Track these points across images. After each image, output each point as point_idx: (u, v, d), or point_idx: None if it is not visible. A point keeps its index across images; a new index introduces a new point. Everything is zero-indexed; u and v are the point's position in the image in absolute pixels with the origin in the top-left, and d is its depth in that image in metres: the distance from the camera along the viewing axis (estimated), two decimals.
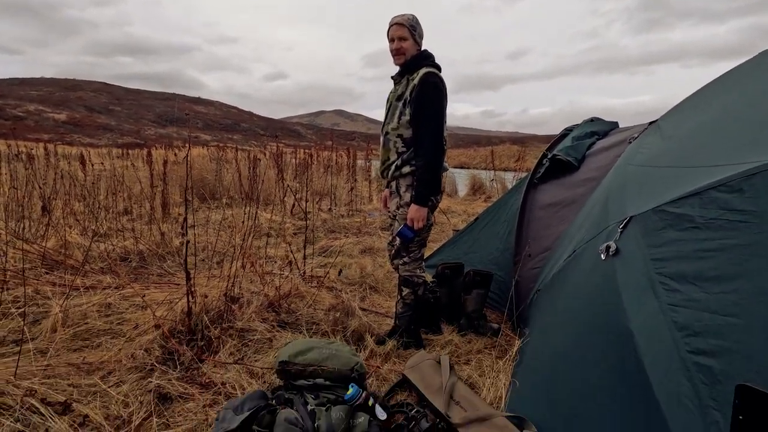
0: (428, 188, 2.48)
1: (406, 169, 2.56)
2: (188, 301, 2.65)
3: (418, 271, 2.72)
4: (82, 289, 3.21)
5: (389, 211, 2.77)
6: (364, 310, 3.42)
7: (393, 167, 2.61)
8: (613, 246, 1.72)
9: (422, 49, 2.62)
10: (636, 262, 1.61)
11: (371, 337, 2.83)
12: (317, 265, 4.27)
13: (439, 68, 2.57)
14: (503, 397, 2.03)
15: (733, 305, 1.26)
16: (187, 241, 2.50)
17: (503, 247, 3.31)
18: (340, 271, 3.98)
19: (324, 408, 1.80)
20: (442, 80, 2.49)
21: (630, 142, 2.57)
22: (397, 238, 2.67)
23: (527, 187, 3.22)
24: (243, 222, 3.50)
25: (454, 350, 2.78)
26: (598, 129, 3.18)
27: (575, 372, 1.68)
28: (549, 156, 3.11)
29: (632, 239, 1.67)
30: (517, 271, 2.95)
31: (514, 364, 2.24)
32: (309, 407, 1.80)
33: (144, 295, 2.86)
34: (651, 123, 2.54)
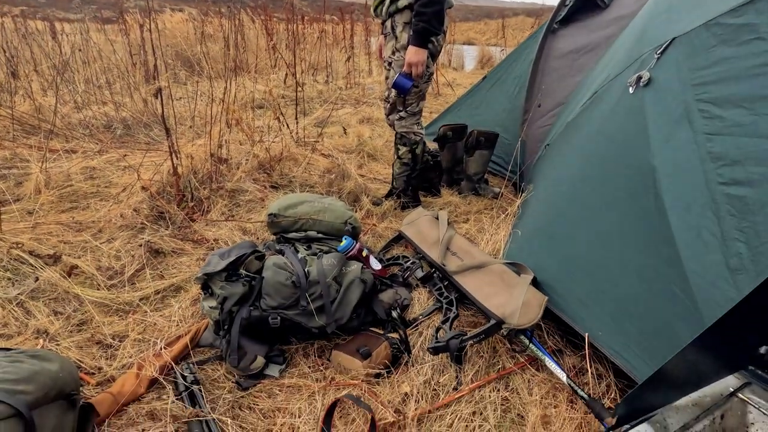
0: (429, 24, 2.10)
1: (403, 2, 2.16)
2: (172, 159, 2.48)
3: (416, 127, 2.48)
4: (62, 152, 3.04)
5: (383, 60, 2.43)
6: (361, 176, 3.29)
7: (388, 1, 2.21)
8: (646, 75, 1.46)
9: None
10: (672, 90, 1.36)
11: (367, 197, 2.73)
12: (312, 133, 4.02)
13: None
14: (502, 248, 1.96)
15: None
16: (160, 90, 2.23)
17: (511, 107, 3.02)
18: (344, 130, 3.73)
19: (315, 257, 1.73)
20: None
21: None
22: (393, 91, 2.38)
23: (545, 33, 2.79)
24: (226, 88, 3.17)
25: (453, 210, 2.70)
26: None
27: (582, 217, 1.56)
28: None
29: (671, 65, 1.41)
30: (524, 130, 2.71)
31: (514, 219, 2.15)
32: (300, 255, 1.73)
33: (125, 155, 2.68)
34: None
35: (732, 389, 0.69)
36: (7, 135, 3.26)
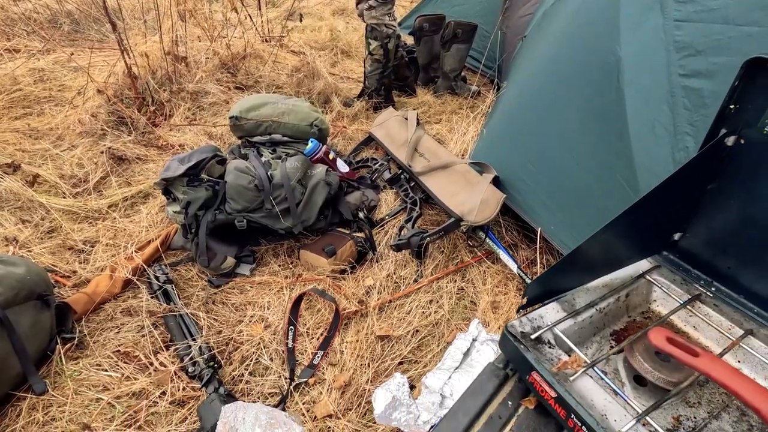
0: None
1: None
2: (124, 58, 2.29)
3: (387, 18, 2.29)
4: (2, 52, 2.79)
5: None
6: (333, 75, 3.12)
7: None
8: None
9: None
10: None
11: (338, 98, 2.62)
12: (282, 26, 3.70)
13: None
14: (469, 148, 1.96)
15: (760, 9, 1.00)
16: None
17: None
18: (301, 17, 3.45)
19: (280, 160, 1.71)
20: None
21: None
22: None
23: None
24: None
25: (426, 110, 2.63)
26: None
27: (544, 110, 1.53)
28: None
29: None
30: (503, 22, 2.52)
31: (485, 118, 2.11)
32: (263, 159, 1.71)
33: (72, 54, 2.47)
34: None
35: (641, 272, 0.76)
36: None
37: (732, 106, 0.63)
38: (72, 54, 2.46)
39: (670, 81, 1.14)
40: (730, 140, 0.64)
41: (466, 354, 1.22)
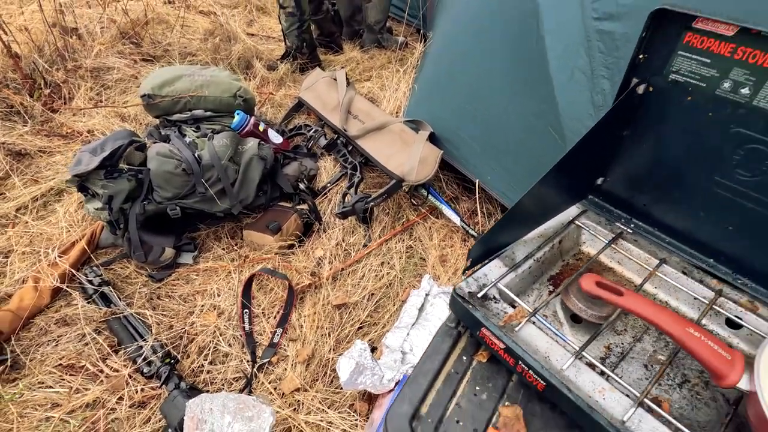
0: None
1: None
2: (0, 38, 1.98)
3: None
4: None
5: None
6: (251, 35, 2.90)
7: None
8: None
9: None
10: None
11: (260, 62, 2.46)
12: None
13: None
14: (402, 105, 1.94)
15: None
16: None
17: None
18: None
19: (206, 138, 1.60)
20: None
21: None
22: None
23: None
24: None
25: (355, 67, 2.54)
26: None
27: (474, 65, 1.53)
28: None
29: None
30: None
31: (415, 72, 2.08)
32: (187, 139, 1.59)
33: None
34: None
35: (571, 218, 0.82)
36: None
37: (641, 56, 0.67)
38: None
39: (585, 25, 1.18)
40: (640, 89, 0.69)
41: (421, 309, 1.28)
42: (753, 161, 0.61)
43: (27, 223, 1.60)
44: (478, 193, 1.52)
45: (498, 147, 1.47)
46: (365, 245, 1.56)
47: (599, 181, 0.84)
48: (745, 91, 0.59)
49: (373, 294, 1.43)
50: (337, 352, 1.27)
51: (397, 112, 1.98)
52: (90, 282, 1.36)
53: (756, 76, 0.57)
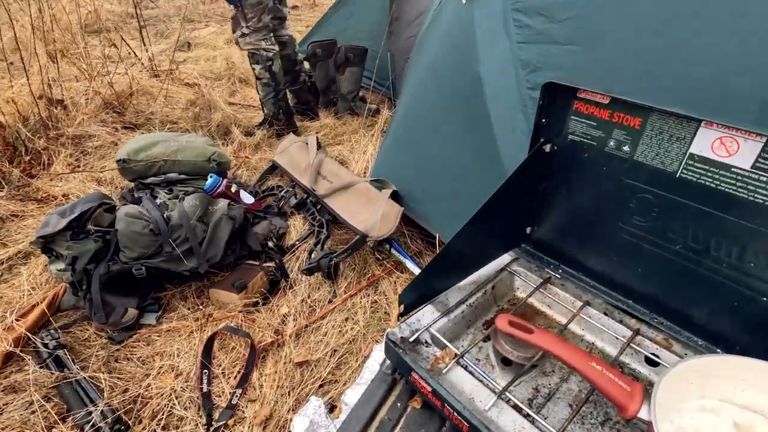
0: None
1: None
2: None
3: (263, 43, 2.35)
4: None
5: None
6: (232, 104, 3.08)
7: None
8: None
9: None
10: (495, 1, 1.44)
11: (238, 129, 2.60)
12: (171, 58, 3.57)
13: None
14: (369, 166, 2.05)
15: (575, 31, 1.20)
16: None
17: (378, 18, 2.94)
18: (188, 45, 3.40)
19: (177, 199, 1.66)
20: None
21: None
22: (231, 6, 2.23)
23: None
24: (40, 8, 2.59)
25: (328, 132, 2.69)
26: None
27: (429, 128, 1.66)
28: None
29: None
30: (391, 44, 2.69)
31: (383, 136, 2.22)
32: (158, 200, 1.65)
33: None
34: None
35: (504, 265, 0.87)
36: None
37: (543, 120, 0.76)
38: None
39: (521, 93, 1.32)
40: (547, 147, 0.78)
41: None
42: (644, 208, 0.69)
43: None
44: (440, 248, 1.58)
45: (455, 203, 1.55)
46: (330, 301, 1.58)
47: (528, 230, 0.90)
48: (626, 148, 0.67)
49: (336, 350, 1.42)
50: (296, 411, 1.24)
51: (364, 172, 2.09)
52: (45, 345, 1.34)
53: (632, 136, 0.66)
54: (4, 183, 2.08)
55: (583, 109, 0.70)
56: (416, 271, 1.62)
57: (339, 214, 1.72)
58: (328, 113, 2.99)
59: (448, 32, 1.69)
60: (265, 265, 1.68)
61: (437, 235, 1.58)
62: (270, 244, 1.78)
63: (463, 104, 1.51)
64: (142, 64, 2.95)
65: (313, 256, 1.68)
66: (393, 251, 1.67)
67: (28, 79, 2.14)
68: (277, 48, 2.43)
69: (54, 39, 2.20)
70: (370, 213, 1.64)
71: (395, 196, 1.73)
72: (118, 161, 1.79)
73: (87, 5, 4.76)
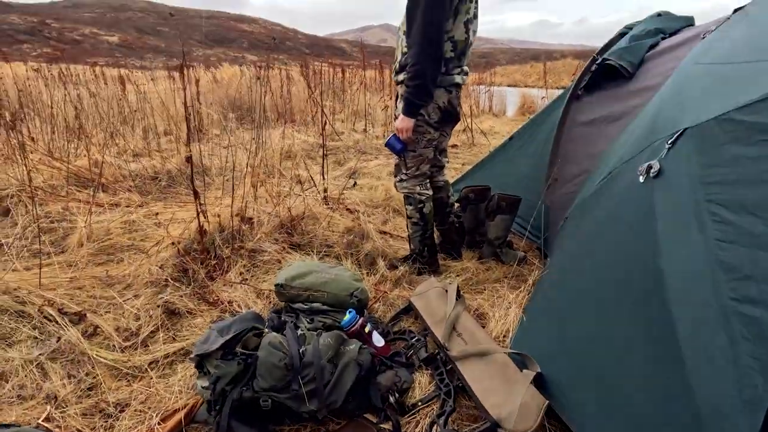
0: (413, 96, 2.19)
1: (401, 77, 2.25)
2: (199, 220, 2.62)
3: (419, 188, 2.50)
4: (106, 206, 3.30)
5: None
6: (384, 233, 3.30)
7: (395, 70, 2.32)
8: (656, 166, 1.38)
9: None
10: (681, 186, 1.28)
11: (384, 261, 2.72)
12: (342, 186, 4.12)
13: None
14: (510, 331, 1.86)
15: None
16: (190, 158, 2.40)
17: (535, 170, 2.95)
18: (354, 183, 3.85)
19: (315, 333, 1.72)
20: None
21: (704, 37, 2.03)
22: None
23: (569, 99, 2.75)
24: (255, 142, 3.34)
25: (470, 278, 2.62)
26: (665, 26, 2.56)
27: (590, 313, 1.45)
28: (598, 61, 2.58)
29: (682, 157, 1.33)
30: (547, 196, 2.63)
31: (528, 297, 2.05)
32: (299, 332, 1.73)
33: (158, 214, 2.87)
34: (736, 10, 1.98)
35: None
36: (62, 189, 3.59)
37: None
38: (157, 214, 2.84)
39: (722, 304, 1.06)
40: None
41: None
42: None
43: (151, 378, 1.80)
44: None
45: (621, 420, 1.24)
46: None
47: None
48: None
49: None
50: None
51: (504, 337, 1.90)
52: None
53: None
54: (191, 280, 2.49)
55: None
56: None
57: (470, 387, 1.55)
58: (472, 255, 2.95)
59: (620, 208, 1.54)
60: (381, 425, 1.56)
61: None
62: (391, 399, 1.67)
63: (634, 298, 1.29)
64: (318, 191, 3.43)
65: (434, 430, 1.50)
66: None
67: (232, 201, 2.65)
68: (431, 192, 2.59)
69: (259, 173, 2.73)
70: (507, 396, 1.43)
71: (538, 380, 1.49)
72: (276, 285, 1.99)
73: (290, 137, 6.00)
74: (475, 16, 2.28)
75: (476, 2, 2.26)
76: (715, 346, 1.03)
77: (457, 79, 2.29)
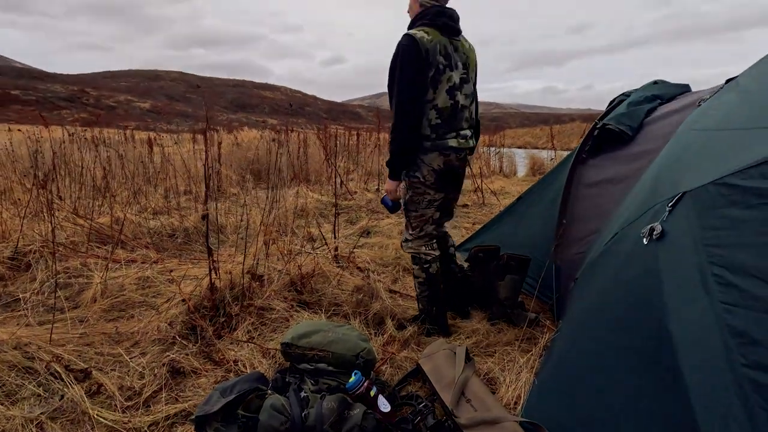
0: (393, 160, 2.37)
1: None
2: (210, 277, 2.66)
3: (424, 248, 2.54)
4: (123, 263, 3.38)
5: None
6: (393, 292, 3.28)
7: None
8: (658, 228, 1.40)
9: (429, 5, 2.32)
10: (685, 248, 1.29)
11: (392, 321, 2.69)
12: (353, 244, 4.16)
13: (437, 26, 2.28)
14: (521, 397, 1.79)
15: None
16: (206, 216, 2.49)
17: (544, 231, 2.97)
18: (368, 232, 3.90)
19: (319, 396, 1.68)
20: (409, 43, 2.20)
21: (699, 105, 2.12)
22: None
23: (574, 162, 2.83)
24: (270, 201, 3.46)
25: (480, 340, 2.55)
26: (661, 92, 2.68)
27: (601, 378, 1.40)
28: (599, 125, 2.69)
29: (683, 220, 1.35)
30: (557, 256, 2.62)
31: (540, 361, 1.98)
32: (303, 394, 1.70)
33: (171, 270, 2.93)
34: (729, 80, 2.08)
35: None
36: (82, 245, 3.71)
37: None
38: (171, 271, 2.90)
39: (734, 370, 1.03)
40: None
41: None
42: None
43: None
44: None
45: None
46: None
47: None
48: None
49: None
50: None
51: (515, 403, 1.82)
52: None
53: None
54: (198, 338, 2.48)
55: None
56: None
57: None
58: (482, 316, 2.90)
59: (624, 271, 1.54)
60: None
61: None
62: None
63: (645, 366, 1.25)
64: (329, 249, 3.48)
65: None
66: None
67: (244, 258, 2.70)
68: (437, 253, 2.60)
69: (272, 231, 2.81)
70: None
71: None
72: (282, 343, 1.98)
73: (304, 196, 6.18)
74: (465, 81, 2.40)
75: (466, 69, 2.40)
76: (730, 413, 0.99)
77: (452, 142, 2.38)
